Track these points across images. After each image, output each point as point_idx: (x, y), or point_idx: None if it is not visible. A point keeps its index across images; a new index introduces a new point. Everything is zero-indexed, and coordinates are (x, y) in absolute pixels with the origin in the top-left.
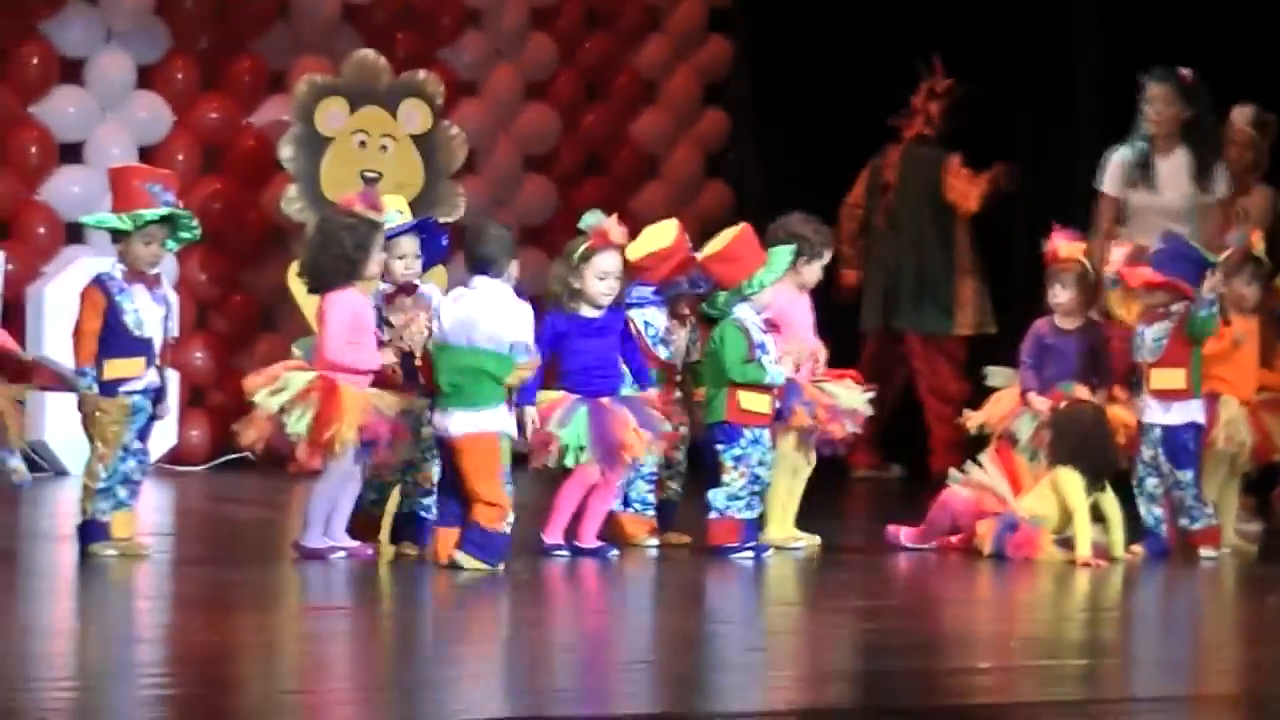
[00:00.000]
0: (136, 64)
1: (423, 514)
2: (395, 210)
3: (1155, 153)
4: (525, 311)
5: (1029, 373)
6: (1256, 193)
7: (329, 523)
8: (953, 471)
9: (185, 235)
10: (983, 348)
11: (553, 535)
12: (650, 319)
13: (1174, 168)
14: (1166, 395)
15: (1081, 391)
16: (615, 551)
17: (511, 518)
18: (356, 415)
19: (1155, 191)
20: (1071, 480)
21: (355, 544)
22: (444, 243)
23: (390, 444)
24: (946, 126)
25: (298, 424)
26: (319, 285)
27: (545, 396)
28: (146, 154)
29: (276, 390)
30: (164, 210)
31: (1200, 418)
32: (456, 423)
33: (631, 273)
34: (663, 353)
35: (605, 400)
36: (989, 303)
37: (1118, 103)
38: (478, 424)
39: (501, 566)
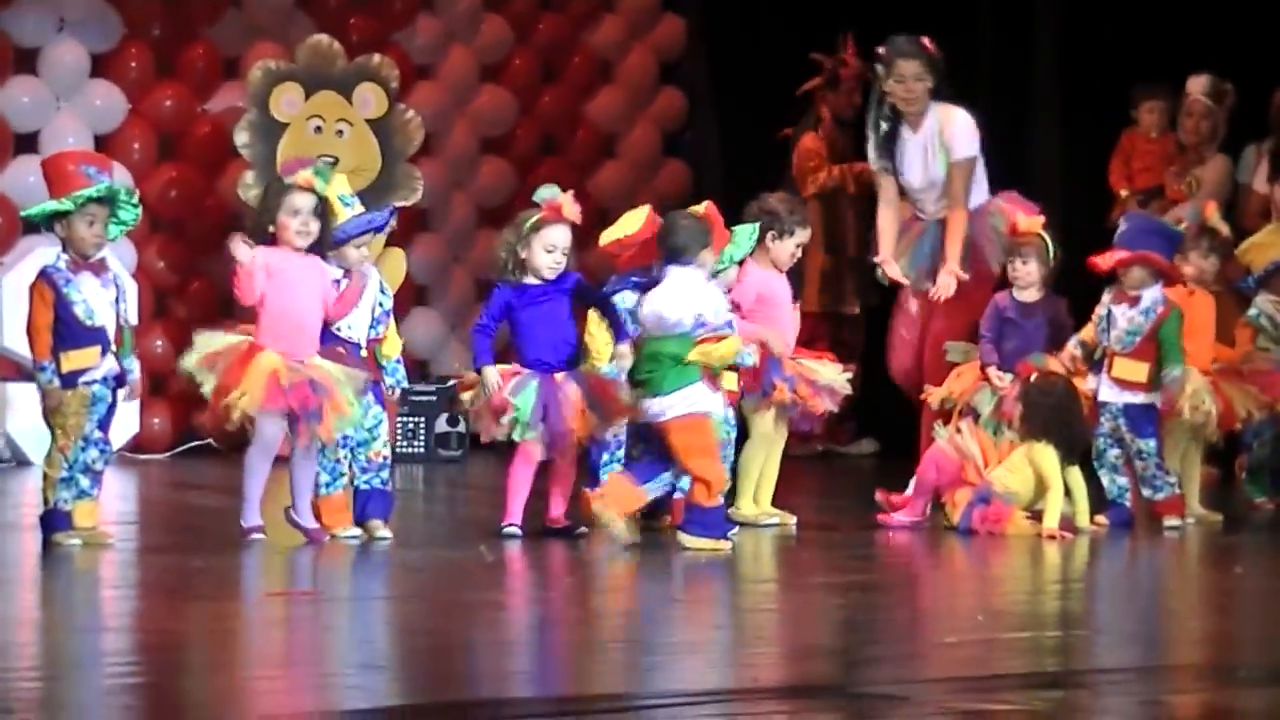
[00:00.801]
0: (90, 53)
1: (380, 488)
2: (344, 195)
3: (904, 128)
4: (716, 295)
5: (989, 346)
6: (1212, 163)
7: (294, 501)
8: (938, 428)
9: (126, 215)
10: None
11: (510, 518)
12: (626, 304)
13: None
14: (1126, 385)
15: (1052, 364)
16: (583, 529)
17: (726, 488)
18: (259, 384)
19: (901, 172)
20: (1047, 455)
21: (315, 527)
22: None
23: (310, 417)
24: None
25: (205, 388)
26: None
27: (500, 369)
28: (102, 142)
29: (201, 349)
30: (102, 187)
31: (1157, 400)
32: (661, 407)
33: (603, 259)
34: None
35: (559, 376)
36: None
37: (1073, 80)
38: (683, 406)
39: (729, 541)
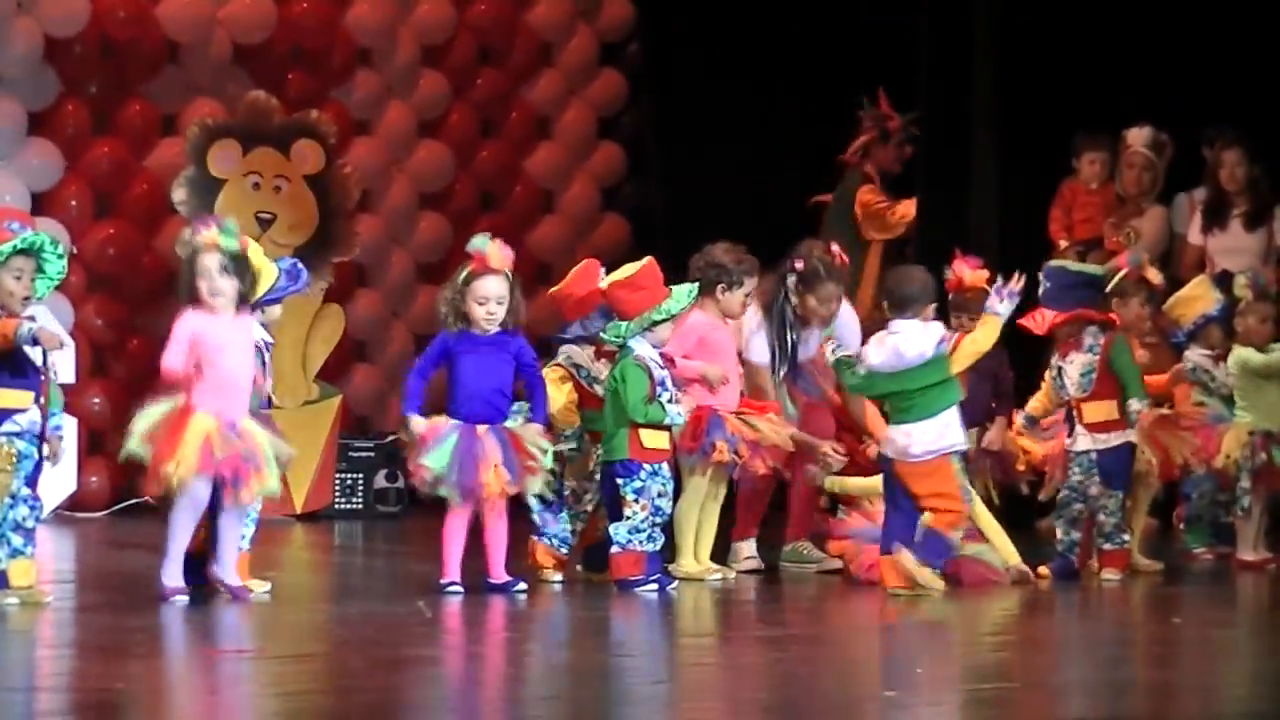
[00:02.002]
0: (27, 110)
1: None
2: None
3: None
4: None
5: None
6: (1151, 214)
7: (217, 557)
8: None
9: (52, 269)
10: None
11: (449, 575)
12: (577, 359)
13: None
14: (1101, 427)
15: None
16: (523, 586)
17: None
18: (193, 452)
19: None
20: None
21: (238, 583)
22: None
23: (236, 483)
24: (900, 166)
25: (141, 451)
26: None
27: (427, 420)
28: (40, 200)
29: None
30: (25, 238)
31: (1133, 437)
32: (908, 441)
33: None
34: (598, 389)
35: (481, 430)
36: None
37: (1013, 131)
38: (932, 443)
39: (938, 571)
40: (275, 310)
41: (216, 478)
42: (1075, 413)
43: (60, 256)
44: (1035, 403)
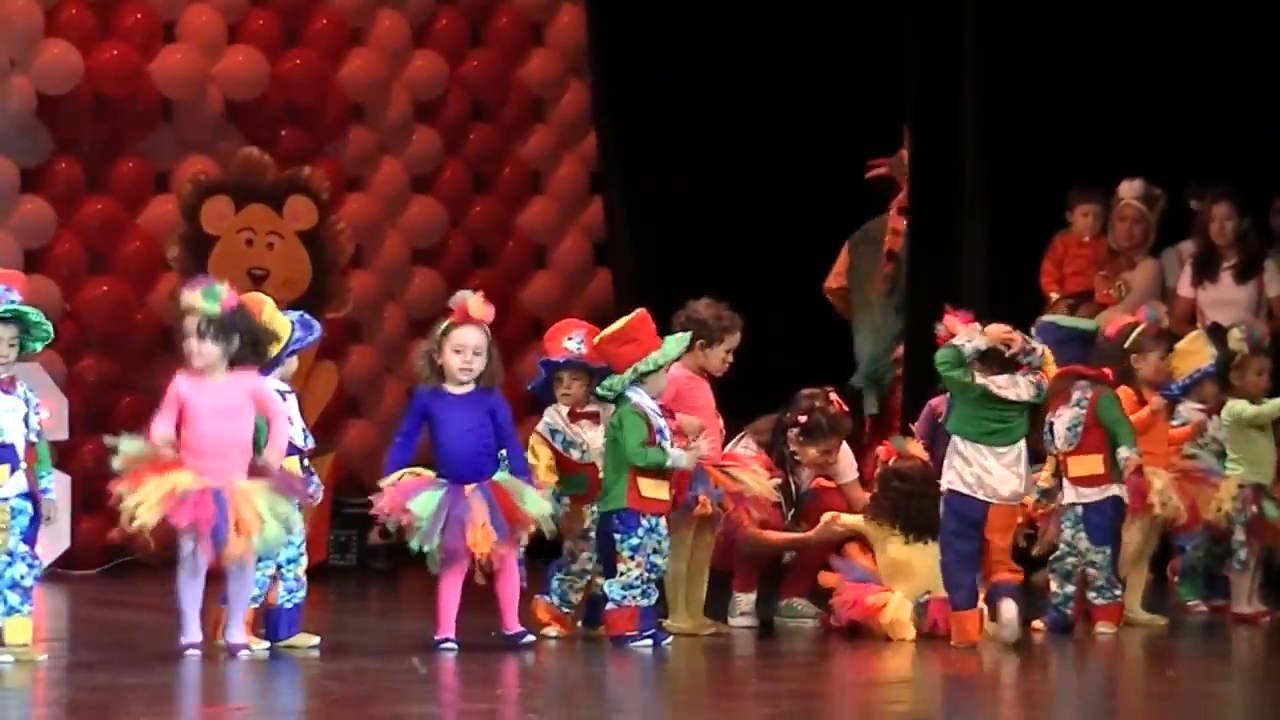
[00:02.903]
0: (19, 168)
1: (299, 603)
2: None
3: None
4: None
5: (925, 452)
6: (1142, 267)
7: (228, 619)
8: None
9: (38, 337)
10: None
11: (444, 631)
12: (552, 424)
13: None
14: (1086, 481)
15: (913, 448)
16: (530, 638)
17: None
18: (157, 502)
19: None
20: (892, 539)
21: (241, 641)
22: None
23: (215, 533)
24: None
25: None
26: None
27: (411, 474)
28: (33, 257)
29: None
30: (8, 308)
31: (1121, 491)
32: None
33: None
34: (574, 455)
35: (468, 489)
36: None
37: (1002, 185)
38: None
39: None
40: (292, 362)
41: (192, 531)
42: (1061, 466)
43: (45, 328)
44: (1045, 473)
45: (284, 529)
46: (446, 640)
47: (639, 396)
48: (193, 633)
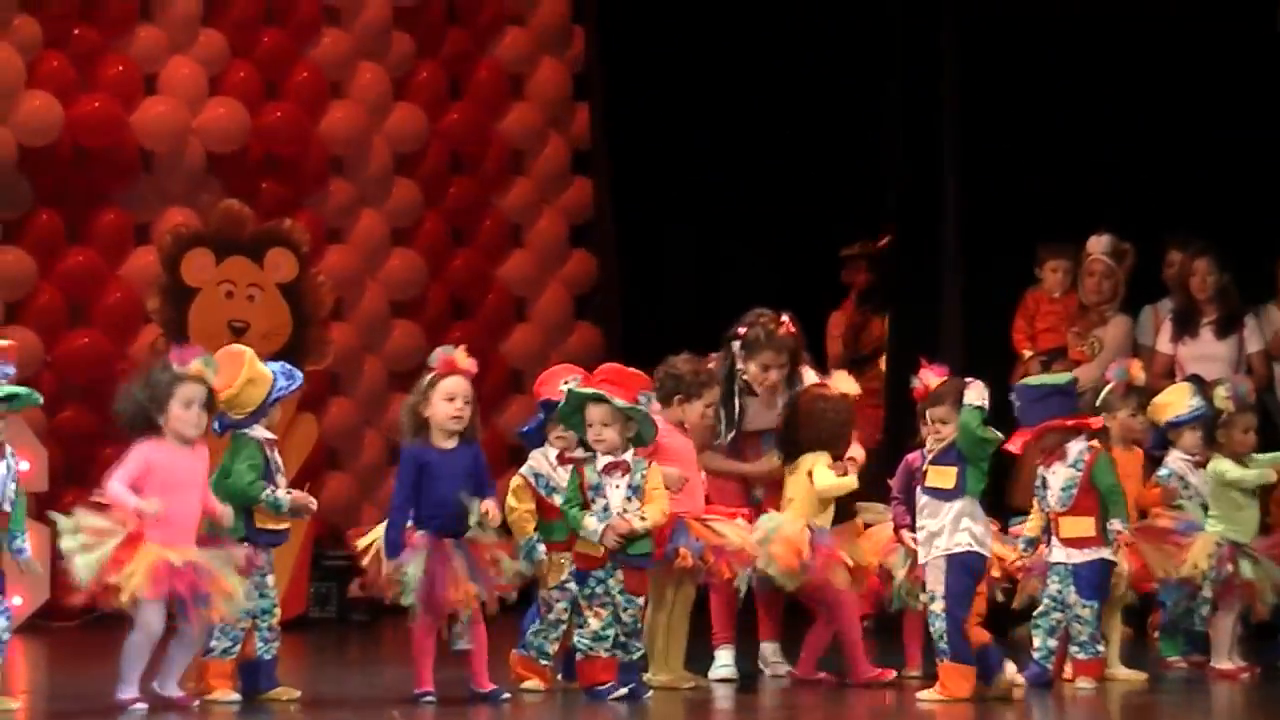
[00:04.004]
0: (1, 219)
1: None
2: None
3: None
4: None
5: (901, 509)
6: (1114, 323)
7: (162, 674)
8: None
9: (27, 403)
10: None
11: (423, 684)
12: (537, 468)
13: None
14: (1076, 543)
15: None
16: (506, 695)
17: None
18: (146, 567)
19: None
20: (820, 465)
21: (180, 694)
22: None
23: (199, 600)
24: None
25: (84, 567)
26: (127, 430)
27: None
28: (13, 309)
29: (77, 530)
30: (5, 390)
31: (1110, 554)
32: None
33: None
34: (556, 499)
35: (449, 543)
36: None
37: (978, 243)
38: None
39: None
40: (275, 412)
41: (173, 599)
42: (1053, 525)
43: (36, 400)
44: (1031, 523)
45: (246, 598)
46: (426, 693)
47: (591, 461)
48: (133, 689)
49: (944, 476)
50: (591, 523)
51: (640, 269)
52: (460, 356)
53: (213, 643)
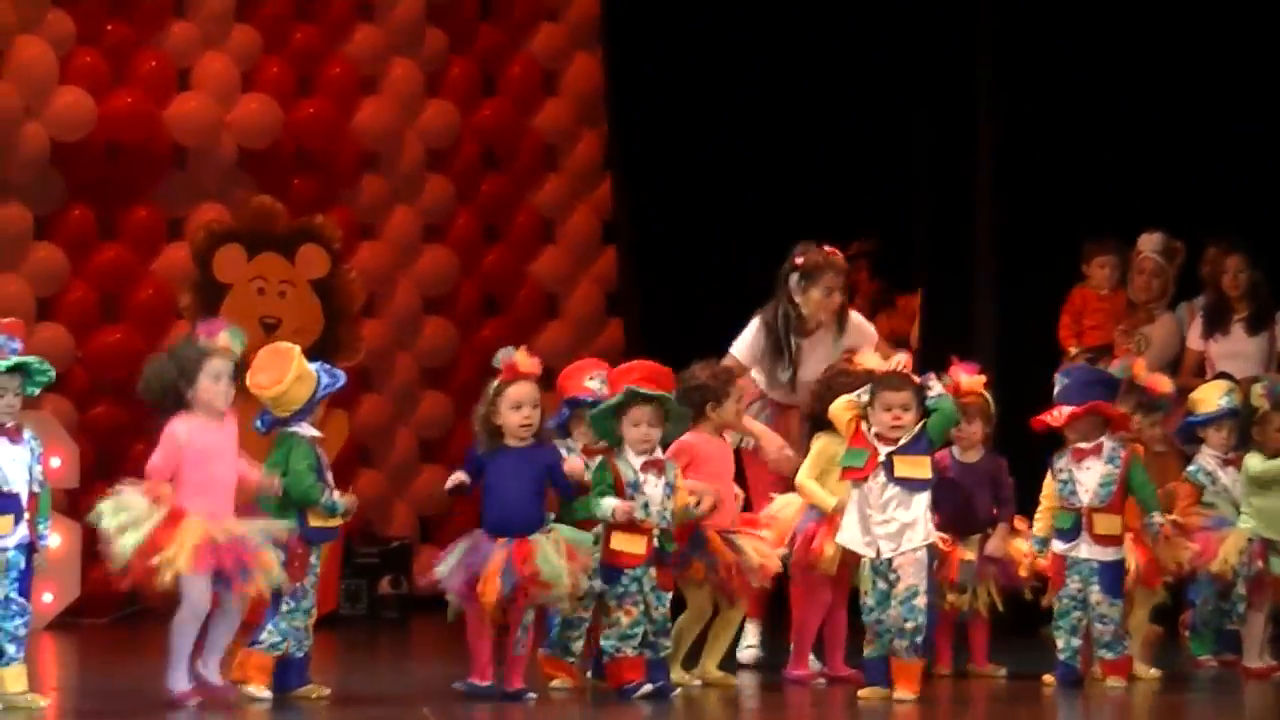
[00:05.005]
0: (33, 214)
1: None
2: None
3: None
4: None
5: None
6: (1161, 321)
7: (205, 654)
8: None
9: (40, 381)
10: None
11: (478, 678)
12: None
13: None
14: (1109, 540)
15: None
16: (532, 696)
17: None
18: (190, 544)
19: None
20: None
21: (221, 682)
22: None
23: (242, 574)
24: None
25: (124, 546)
26: (155, 409)
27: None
28: (45, 304)
29: (118, 510)
30: (11, 362)
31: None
32: None
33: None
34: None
35: (501, 540)
36: None
37: (1014, 238)
38: None
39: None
40: (319, 410)
41: (218, 574)
42: (1085, 521)
43: (47, 373)
44: (1040, 524)
45: (281, 573)
46: (480, 685)
47: (622, 453)
48: (185, 681)
49: (916, 466)
50: (608, 501)
51: (664, 268)
52: (523, 359)
53: (262, 635)
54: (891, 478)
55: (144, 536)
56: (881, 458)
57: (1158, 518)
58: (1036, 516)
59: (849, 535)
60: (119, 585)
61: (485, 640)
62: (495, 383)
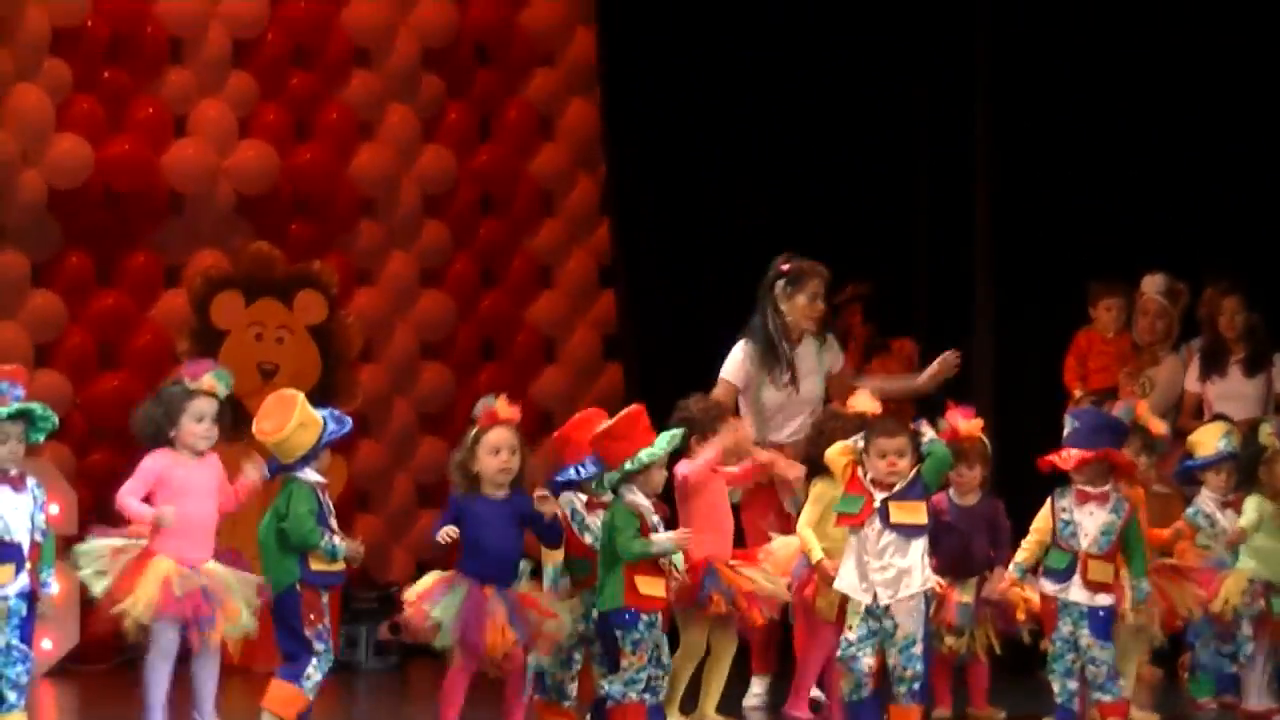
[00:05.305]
0: (30, 261)
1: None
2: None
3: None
4: None
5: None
6: (1166, 363)
7: (197, 700)
8: None
9: (45, 426)
10: None
11: None
12: (573, 505)
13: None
14: (1102, 587)
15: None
16: None
17: None
18: (152, 592)
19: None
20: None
21: None
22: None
23: (205, 622)
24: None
25: (95, 589)
26: (144, 444)
27: (431, 576)
28: (43, 351)
29: (94, 555)
30: (15, 408)
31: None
32: None
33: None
34: (588, 538)
35: (489, 590)
36: None
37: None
38: None
39: None
40: (325, 456)
41: (181, 620)
42: (1080, 565)
43: (50, 419)
44: (1025, 553)
45: (253, 614)
46: None
47: (632, 494)
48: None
49: (912, 512)
50: (663, 536)
51: (662, 311)
52: (502, 406)
53: (308, 670)
54: (887, 524)
55: (110, 583)
56: (877, 504)
57: (1145, 585)
58: (1023, 545)
59: (847, 581)
60: (105, 628)
61: (460, 695)
62: (474, 430)
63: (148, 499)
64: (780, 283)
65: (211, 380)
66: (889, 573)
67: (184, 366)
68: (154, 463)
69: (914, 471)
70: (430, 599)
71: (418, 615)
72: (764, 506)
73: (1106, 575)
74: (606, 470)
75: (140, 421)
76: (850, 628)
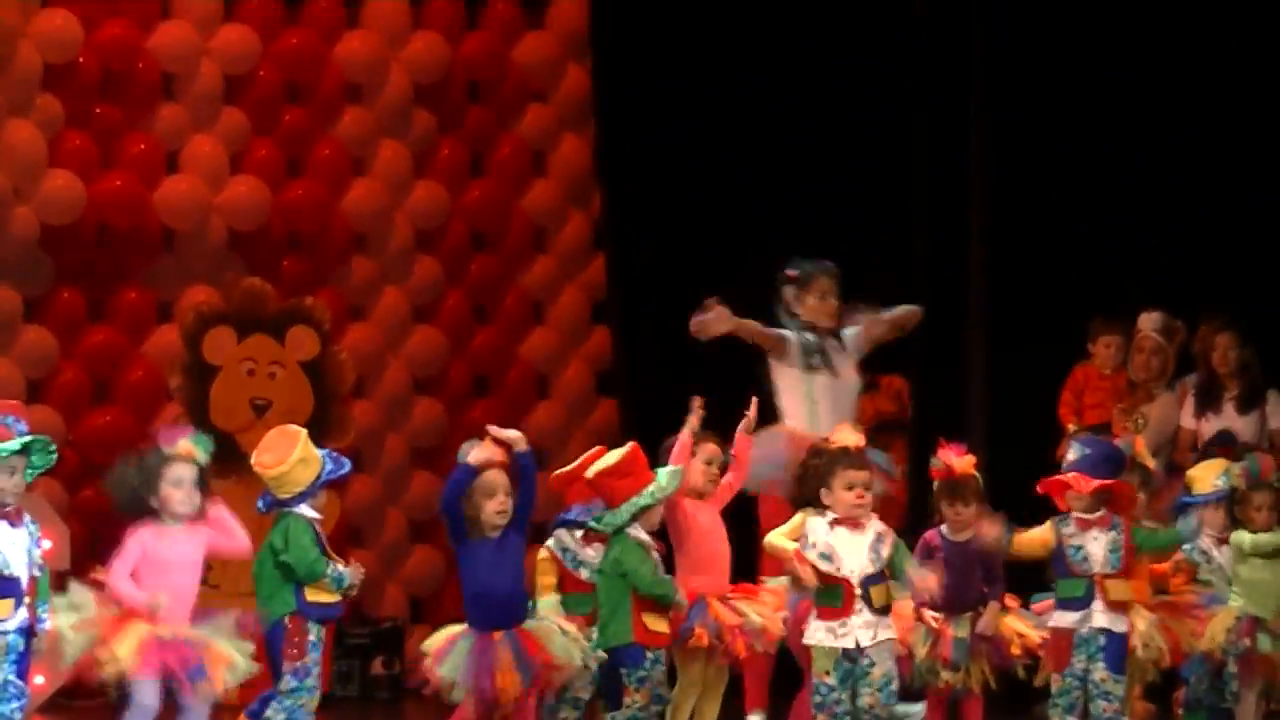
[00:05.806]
0: (22, 297)
1: None
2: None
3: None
4: None
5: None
6: (1160, 400)
7: None
8: None
9: (41, 461)
10: None
11: None
12: (565, 542)
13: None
14: (1121, 606)
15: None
16: None
17: None
18: (134, 643)
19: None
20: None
21: None
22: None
23: (196, 673)
24: None
25: (73, 645)
26: (122, 513)
27: (443, 632)
28: (35, 387)
29: (72, 609)
30: (22, 441)
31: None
32: None
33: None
34: (583, 574)
35: (497, 636)
36: None
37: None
38: None
39: None
40: (323, 496)
41: (164, 677)
42: (1098, 588)
43: (51, 453)
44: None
45: (248, 663)
46: None
47: (636, 530)
48: None
49: (888, 593)
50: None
51: (656, 347)
52: (493, 450)
53: (267, 712)
54: (871, 609)
55: (93, 636)
56: (858, 591)
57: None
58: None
59: (821, 635)
60: (62, 679)
61: None
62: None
63: (133, 575)
64: (789, 288)
65: (189, 445)
66: (866, 615)
67: (159, 433)
68: (137, 540)
69: (887, 556)
70: (439, 660)
71: (434, 678)
72: (779, 502)
73: (1125, 593)
74: (606, 508)
75: (117, 489)
76: (826, 673)
